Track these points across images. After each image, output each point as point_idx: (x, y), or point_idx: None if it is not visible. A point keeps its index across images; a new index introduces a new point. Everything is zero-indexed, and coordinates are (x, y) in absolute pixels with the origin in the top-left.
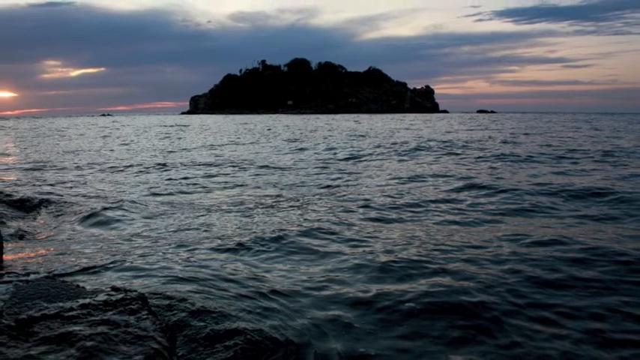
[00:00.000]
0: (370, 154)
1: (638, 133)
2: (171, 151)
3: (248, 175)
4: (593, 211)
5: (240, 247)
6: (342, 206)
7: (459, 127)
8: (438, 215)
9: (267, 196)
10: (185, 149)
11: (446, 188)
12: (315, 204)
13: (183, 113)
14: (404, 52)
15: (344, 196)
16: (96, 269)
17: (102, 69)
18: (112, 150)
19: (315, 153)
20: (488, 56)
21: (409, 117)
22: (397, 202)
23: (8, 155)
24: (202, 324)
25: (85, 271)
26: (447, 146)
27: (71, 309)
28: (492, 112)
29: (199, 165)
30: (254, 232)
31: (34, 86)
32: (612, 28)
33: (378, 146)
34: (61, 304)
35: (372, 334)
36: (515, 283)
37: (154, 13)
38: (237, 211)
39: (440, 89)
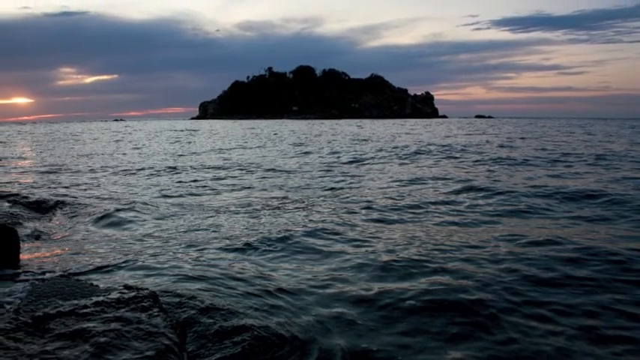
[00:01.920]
0: (372, 158)
1: (630, 137)
2: (181, 155)
3: (255, 178)
4: (586, 213)
5: (247, 247)
6: (345, 208)
7: (458, 131)
8: (437, 216)
9: (273, 198)
10: (195, 153)
11: (445, 190)
12: (320, 205)
13: (192, 118)
14: (405, 60)
15: (347, 198)
16: (109, 268)
17: (115, 76)
18: (124, 154)
19: (320, 157)
20: (485, 64)
21: (410, 122)
22: (398, 204)
23: (25, 159)
24: (211, 321)
25: (98, 270)
26: (446, 150)
27: (85, 306)
28: (490, 117)
29: (208, 168)
30: (261, 233)
31: (50, 92)
32: (604, 37)
33: (380, 150)
34: (75, 301)
35: (374, 331)
36: (511, 281)
37: (165, 22)
38: (245, 213)
39: (439, 95)
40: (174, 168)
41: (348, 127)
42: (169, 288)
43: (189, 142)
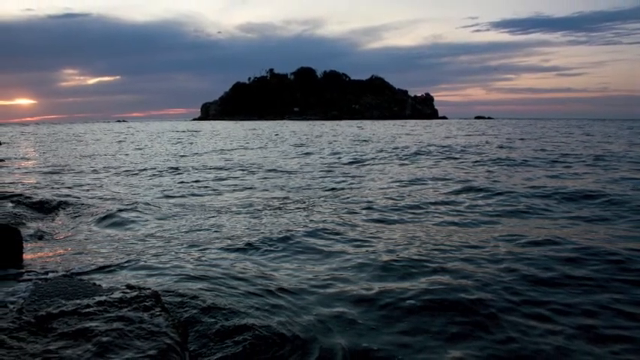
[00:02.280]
0: (373, 159)
1: (628, 138)
2: (183, 156)
3: (256, 179)
4: (585, 213)
5: (249, 247)
6: (345, 208)
7: (458, 132)
8: (437, 216)
9: (274, 198)
10: (196, 154)
11: (445, 191)
12: (321, 206)
13: (194, 119)
14: (405, 61)
15: (348, 198)
16: (111, 268)
17: (117, 77)
18: (126, 154)
19: (321, 157)
20: (485, 65)
21: (410, 123)
22: (398, 204)
23: (28, 159)
24: (213, 320)
25: (101, 269)
26: (446, 151)
27: (88, 306)
28: (489, 118)
29: (210, 169)
30: (262, 233)
31: (53, 94)
32: (603, 39)
33: (381, 151)
34: (78, 301)
35: (374, 330)
36: (511, 281)
37: (167, 23)
38: (246, 213)
39: (439, 96)
40: (176, 169)
41: (348, 128)
42: (171, 288)
43: (191, 143)
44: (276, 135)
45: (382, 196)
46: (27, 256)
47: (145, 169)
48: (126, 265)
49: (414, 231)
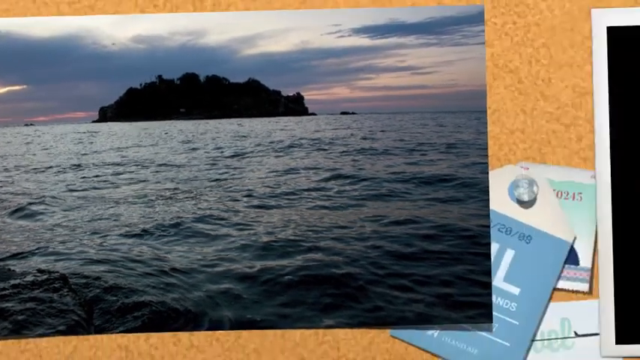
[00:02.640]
0: (252, 152)
1: (476, 127)
2: (84, 154)
3: (149, 172)
4: (440, 195)
5: (144, 233)
6: (229, 196)
7: (326, 127)
8: (310, 201)
9: (166, 189)
10: (96, 152)
11: (316, 178)
12: (207, 195)
13: (93, 122)
14: (278, 65)
15: (230, 187)
16: (24, 255)
17: (24, 86)
18: (34, 154)
19: (206, 152)
20: (349, 67)
21: (284, 119)
22: (276, 192)
23: None
24: (115, 299)
25: (14, 256)
26: (316, 143)
27: (4, 289)
28: (354, 113)
29: (108, 165)
30: (156, 220)
31: None
32: (452, 40)
33: (258, 145)
34: None
35: (257, 303)
36: (376, 256)
37: (69, 37)
38: (142, 203)
39: (309, 95)
40: (79, 165)
41: (229, 125)
42: (77, 270)
43: (91, 143)
44: (166, 133)
45: (261, 184)
46: None
47: (50, 167)
48: (36, 251)
49: (290, 215)
